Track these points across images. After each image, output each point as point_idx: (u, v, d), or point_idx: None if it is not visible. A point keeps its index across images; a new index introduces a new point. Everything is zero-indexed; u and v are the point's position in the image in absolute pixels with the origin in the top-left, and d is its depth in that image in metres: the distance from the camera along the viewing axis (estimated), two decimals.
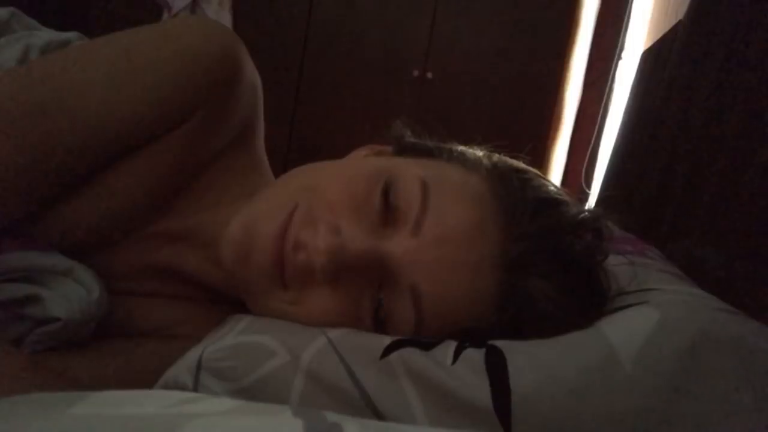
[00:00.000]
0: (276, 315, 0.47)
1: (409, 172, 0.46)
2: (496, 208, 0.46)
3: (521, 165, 0.53)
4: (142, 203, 0.51)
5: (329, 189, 0.47)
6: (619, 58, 2.22)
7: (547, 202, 0.47)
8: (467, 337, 0.43)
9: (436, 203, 0.44)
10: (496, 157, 0.53)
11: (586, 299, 0.45)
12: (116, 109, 0.47)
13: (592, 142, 2.32)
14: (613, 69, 2.24)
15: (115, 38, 0.50)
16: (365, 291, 0.45)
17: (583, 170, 2.33)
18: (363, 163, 0.52)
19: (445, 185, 0.46)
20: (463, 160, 0.51)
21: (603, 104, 2.28)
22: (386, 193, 0.45)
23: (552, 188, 0.50)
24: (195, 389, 0.42)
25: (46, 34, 0.68)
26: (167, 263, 0.53)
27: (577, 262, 0.46)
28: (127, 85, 0.47)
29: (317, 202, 0.46)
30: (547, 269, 0.44)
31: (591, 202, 1.91)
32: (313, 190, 0.47)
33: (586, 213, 0.48)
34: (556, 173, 2.63)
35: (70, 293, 0.46)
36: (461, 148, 0.54)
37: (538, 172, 0.53)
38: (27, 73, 0.47)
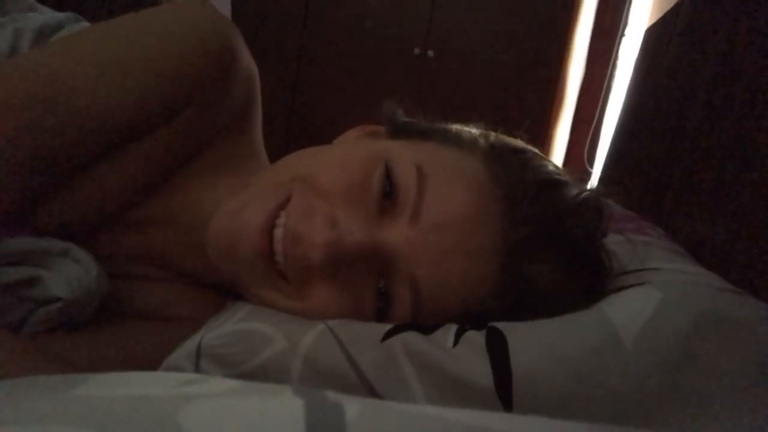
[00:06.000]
0: (275, 308, 0.47)
1: (404, 157, 0.46)
2: (495, 193, 0.45)
3: (519, 144, 0.52)
4: (138, 192, 0.51)
5: (324, 177, 0.46)
6: (623, 35, 2.19)
7: (547, 184, 0.46)
8: (468, 321, 0.43)
9: (432, 190, 0.44)
10: (493, 136, 0.52)
11: (588, 281, 0.45)
12: (110, 102, 0.46)
13: (595, 120, 2.30)
14: (616, 47, 2.22)
15: (109, 27, 0.49)
16: (365, 281, 0.44)
17: (586, 149, 2.32)
18: (356, 149, 0.51)
19: (441, 170, 0.45)
20: (458, 141, 0.50)
21: (606, 82, 2.26)
22: (384, 181, 0.44)
23: (551, 168, 0.49)
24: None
25: (39, 17, 0.67)
26: (158, 249, 0.53)
27: (579, 244, 0.45)
28: (120, 77, 0.46)
29: (312, 192, 0.45)
30: (549, 253, 0.44)
31: (593, 181, 1.91)
32: (307, 179, 0.46)
33: (587, 193, 0.48)
34: (558, 152, 2.62)
35: (70, 272, 0.46)
36: (456, 127, 0.53)
37: (537, 151, 0.52)
38: (21, 65, 0.46)
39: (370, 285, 0.44)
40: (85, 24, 0.71)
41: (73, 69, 0.45)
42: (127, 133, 0.48)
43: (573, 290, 0.44)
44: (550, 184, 0.47)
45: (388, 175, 0.44)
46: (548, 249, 0.44)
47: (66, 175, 0.47)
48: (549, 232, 0.44)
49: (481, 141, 0.50)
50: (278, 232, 0.44)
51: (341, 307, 0.45)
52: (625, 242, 0.53)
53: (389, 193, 0.44)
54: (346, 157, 0.48)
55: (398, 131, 0.54)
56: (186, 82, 0.48)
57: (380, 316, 0.45)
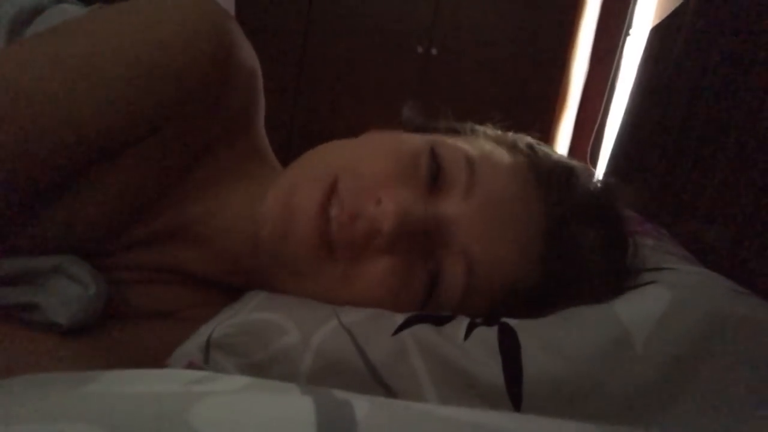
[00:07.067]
0: (325, 293, 0.46)
1: (449, 143, 0.48)
2: (533, 177, 0.48)
3: (536, 141, 0.55)
4: (136, 205, 0.48)
5: (371, 162, 0.46)
6: (627, 34, 2.19)
7: (576, 170, 0.51)
8: (511, 299, 0.45)
9: (481, 171, 0.46)
10: (511, 134, 0.55)
11: (623, 254, 0.49)
12: (89, 110, 0.41)
13: (599, 120, 2.29)
14: (620, 45, 2.21)
15: (89, 24, 0.44)
16: (417, 258, 0.45)
17: (589, 148, 2.32)
18: (400, 137, 0.52)
19: (484, 155, 0.48)
20: (486, 136, 0.53)
21: (610, 82, 2.26)
22: (432, 161, 0.46)
23: (570, 160, 0.54)
24: (206, 364, 0.42)
25: (17, 0, 0.63)
26: (168, 261, 0.51)
27: (614, 222, 0.49)
28: (101, 82, 0.42)
29: (362, 175, 0.45)
30: (587, 224, 0.47)
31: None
32: (354, 163, 0.47)
33: (605, 182, 0.52)
34: (561, 150, 2.62)
35: (67, 293, 0.44)
36: (479, 127, 0.56)
37: (553, 149, 0.56)
38: None
39: (422, 262, 0.45)
40: (67, 6, 0.66)
41: (47, 74, 0.41)
42: (118, 143, 0.44)
43: (614, 258, 0.47)
44: (577, 169, 0.51)
45: (437, 158, 0.46)
46: (586, 221, 0.47)
47: (51, 186, 0.44)
48: (586, 209, 0.48)
49: (508, 137, 0.53)
50: (333, 211, 0.44)
51: (395, 283, 0.44)
52: (632, 244, 0.54)
53: (437, 175, 0.46)
54: (393, 144, 0.49)
55: (422, 130, 0.55)
56: (181, 84, 0.44)
57: (430, 294, 0.45)
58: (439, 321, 0.42)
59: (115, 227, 0.49)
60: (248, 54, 0.50)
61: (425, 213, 0.44)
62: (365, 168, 0.46)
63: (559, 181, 0.48)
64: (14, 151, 0.40)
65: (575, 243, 0.46)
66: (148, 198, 0.49)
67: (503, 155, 0.49)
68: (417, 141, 0.48)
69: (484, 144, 0.51)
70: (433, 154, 0.46)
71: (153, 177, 0.48)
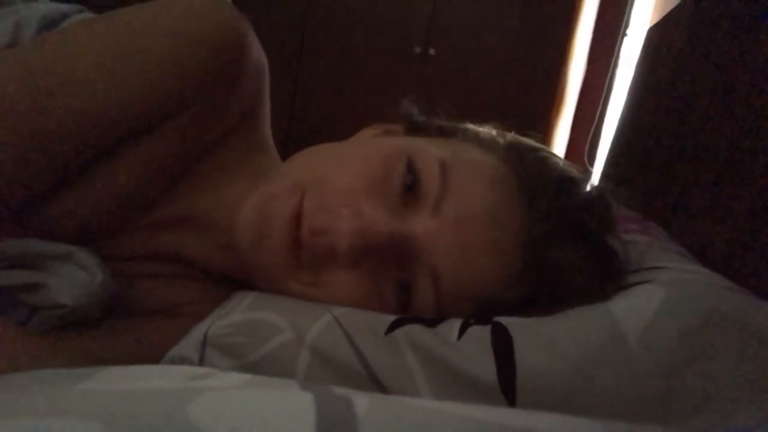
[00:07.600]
0: (297, 297, 0.47)
1: (427, 152, 0.46)
2: (517, 188, 0.46)
3: (534, 143, 0.54)
4: (145, 191, 0.50)
5: (343, 172, 0.46)
6: (624, 34, 2.19)
7: (565, 181, 0.48)
8: (489, 312, 0.44)
9: (455, 183, 0.45)
10: (509, 136, 0.53)
11: (610, 267, 0.47)
12: (114, 99, 0.44)
13: (596, 119, 2.30)
14: (618, 45, 2.22)
15: (113, 19, 0.47)
16: (386, 272, 0.45)
17: (586, 148, 2.32)
18: (377, 144, 0.51)
19: (463, 165, 0.46)
20: (477, 139, 0.51)
21: (607, 81, 2.26)
22: (406, 173, 0.45)
23: (565, 165, 0.51)
24: (200, 365, 0.42)
25: (42, 7, 0.66)
26: (172, 249, 0.53)
27: (598, 235, 0.47)
28: (123, 69, 0.45)
29: (330, 187, 0.45)
30: (572, 243, 0.45)
31: (594, 180, 1.91)
32: (325, 174, 0.47)
33: (598, 189, 0.50)
34: (558, 150, 2.62)
35: (74, 278, 0.45)
36: (473, 126, 0.54)
37: (550, 150, 0.54)
38: (23, 58, 0.45)
39: (391, 276, 0.45)
40: (90, 15, 0.70)
41: (72, 62, 0.44)
42: (129, 130, 0.46)
43: (596, 276, 0.45)
44: (568, 181, 0.49)
45: (411, 168, 0.45)
46: (570, 240, 0.45)
47: (69, 170, 0.46)
48: (570, 225, 0.46)
49: (500, 140, 0.52)
50: (304, 224, 0.45)
51: (362, 295, 0.45)
52: (629, 242, 0.54)
53: (411, 186, 0.45)
54: (367, 152, 0.49)
55: (416, 129, 0.54)
56: (193, 78, 0.47)
57: (402, 307, 0.45)
58: (431, 321, 0.42)
59: (126, 210, 0.50)
60: (259, 51, 0.53)
61: (389, 230, 0.43)
62: (334, 182, 0.46)
63: (545, 193, 0.47)
64: (53, 130, 0.43)
65: (556, 262, 0.44)
66: (162, 182, 0.50)
67: (487, 164, 0.48)
68: (394, 150, 0.47)
69: (470, 150, 0.49)
70: (408, 165, 0.45)
71: (169, 162, 0.50)
